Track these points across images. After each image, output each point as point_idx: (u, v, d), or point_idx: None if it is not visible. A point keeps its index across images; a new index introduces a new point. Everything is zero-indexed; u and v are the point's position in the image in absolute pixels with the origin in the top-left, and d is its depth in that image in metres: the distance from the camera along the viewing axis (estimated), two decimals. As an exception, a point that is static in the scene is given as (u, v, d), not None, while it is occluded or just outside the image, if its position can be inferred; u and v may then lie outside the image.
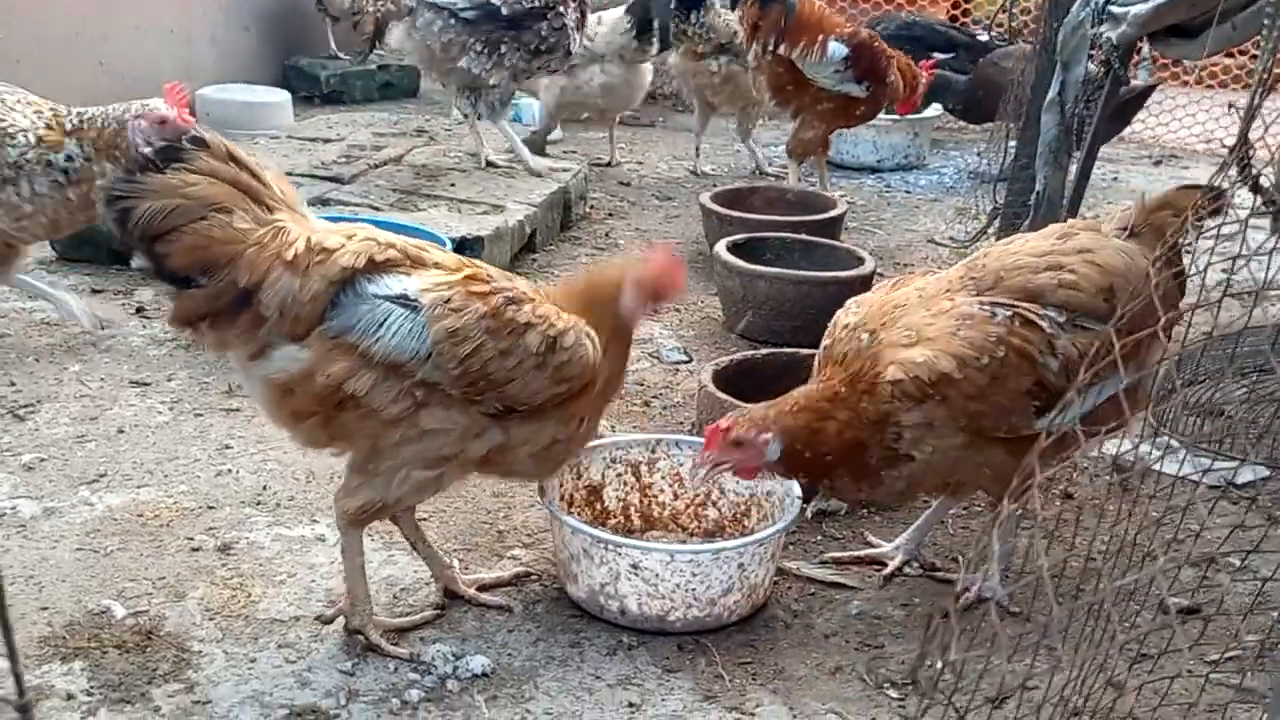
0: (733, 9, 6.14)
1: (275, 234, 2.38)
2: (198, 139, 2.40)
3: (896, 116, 6.75)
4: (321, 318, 2.38)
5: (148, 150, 2.39)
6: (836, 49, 5.78)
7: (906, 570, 3.01)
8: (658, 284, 2.55)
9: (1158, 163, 7.79)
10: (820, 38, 5.78)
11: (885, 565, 3.02)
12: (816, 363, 2.84)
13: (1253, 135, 1.50)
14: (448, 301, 2.39)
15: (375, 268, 2.41)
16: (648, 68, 6.78)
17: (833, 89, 5.90)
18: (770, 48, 5.83)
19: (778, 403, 2.67)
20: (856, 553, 3.08)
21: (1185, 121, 8.08)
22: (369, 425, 2.43)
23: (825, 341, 2.81)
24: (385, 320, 2.37)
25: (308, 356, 2.38)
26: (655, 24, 6.52)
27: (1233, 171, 1.49)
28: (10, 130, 3.80)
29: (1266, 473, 3.37)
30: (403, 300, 2.39)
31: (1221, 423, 3.64)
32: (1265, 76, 1.37)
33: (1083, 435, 2.08)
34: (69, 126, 3.82)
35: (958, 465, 2.61)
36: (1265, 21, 1.41)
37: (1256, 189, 1.47)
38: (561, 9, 5.85)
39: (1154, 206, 2.70)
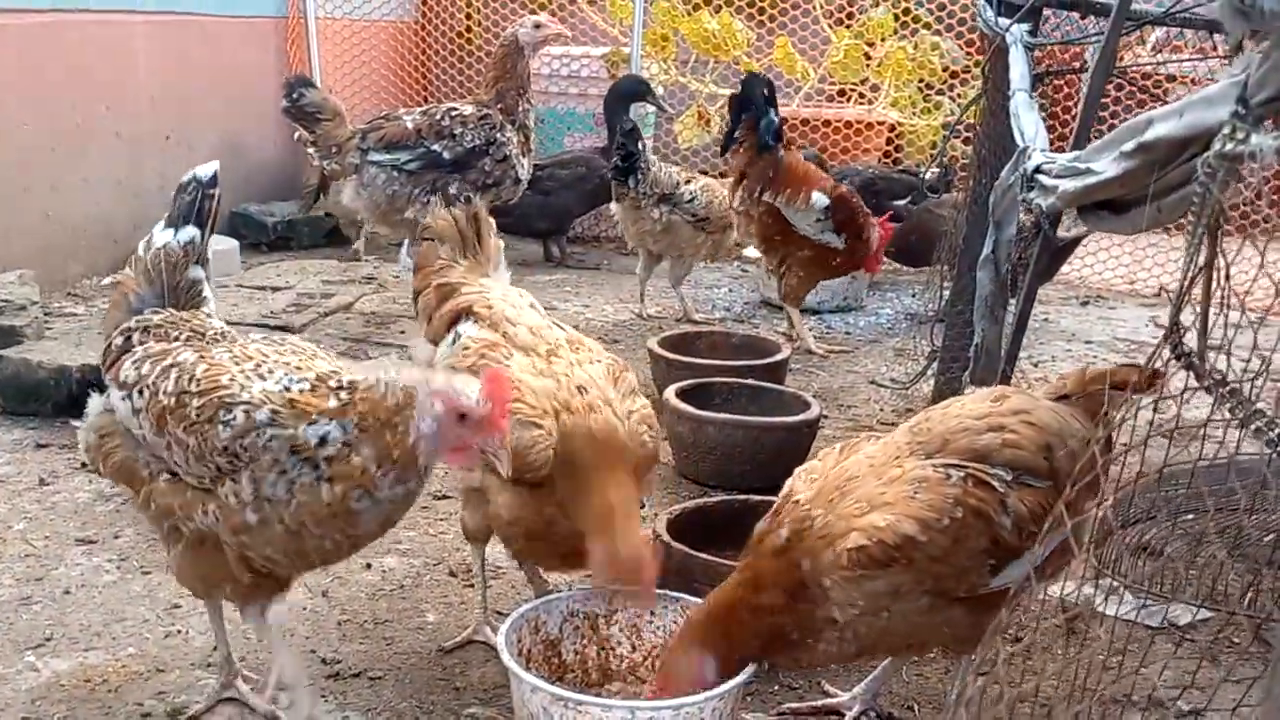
0: (723, 154, 6.51)
1: (443, 270, 3.51)
2: (468, 199, 3.83)
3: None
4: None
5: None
6: (819, 199, 6.22)
7: (863, 720, 3.03)
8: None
9: (1085, 304, 8.07)
10: (805, 189, 6.20)
11: (843, 715, 3.02)
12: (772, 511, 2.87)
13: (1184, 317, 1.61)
14: (465, 348, 3.24)
15: (471, 315, 3.35)
16: None
17: (813, 238, 6.29)
18: (757, 194, 6.18)
19: (679, 633, 2.76)
20: (814, 703, 3.08)
21: (1110, 264, 8.40)
22: None
23: (784, 491, 2.83)
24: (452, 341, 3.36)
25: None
26: None
27: (1165, 353, 1.59)
28: (229, 400, 2.53)
29: (1208, 614, 3.44)
30: (454, 336, 3.35)
31: (1161, 563, 3.72)
32: (1189, 266, 1.48)
33: (1034, 583, 2.15)
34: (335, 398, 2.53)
35: (919, 627, 2.63)
36: (1190, 211, 1.51)
37: (1190, 367, 1.56)
38: (501, 139, 6.00)
39: (1093, 379, 2.79)
